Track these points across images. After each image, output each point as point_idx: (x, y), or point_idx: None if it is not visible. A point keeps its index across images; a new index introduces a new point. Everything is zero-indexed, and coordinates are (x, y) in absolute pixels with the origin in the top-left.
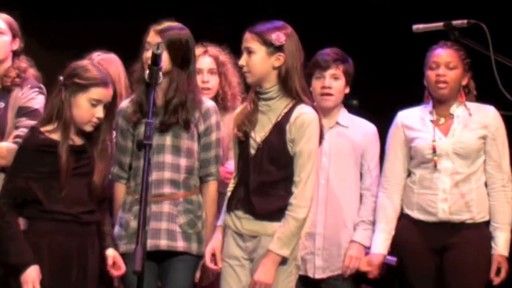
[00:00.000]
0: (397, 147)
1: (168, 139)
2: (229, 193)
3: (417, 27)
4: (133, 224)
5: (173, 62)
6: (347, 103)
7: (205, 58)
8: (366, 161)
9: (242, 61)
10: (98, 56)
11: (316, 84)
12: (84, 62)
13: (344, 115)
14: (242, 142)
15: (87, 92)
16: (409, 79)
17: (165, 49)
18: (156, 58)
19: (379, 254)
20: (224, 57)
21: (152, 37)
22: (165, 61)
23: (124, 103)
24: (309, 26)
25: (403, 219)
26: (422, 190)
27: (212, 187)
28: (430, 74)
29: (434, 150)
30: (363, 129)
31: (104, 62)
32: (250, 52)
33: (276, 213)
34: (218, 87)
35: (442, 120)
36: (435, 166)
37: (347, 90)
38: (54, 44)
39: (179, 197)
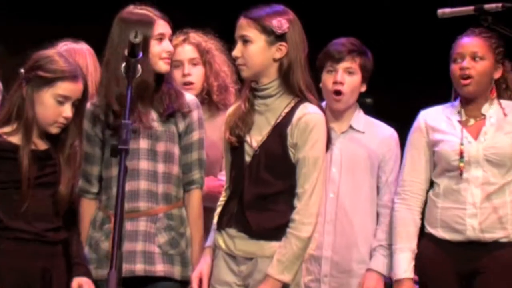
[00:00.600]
0: (419, 151)
1: (142, 142)
2: (219, 208)
3: (443, 11)
4: (104, 245)
5: None
6: (360, 102)
7: (185, 47)
8: (385, 173)
9: (237, 52)
10: (64, 46)
11: (327, 79)
12: (50, 51)
13: (359, 118)
14: (236, 148)
15: (52, 87)
16: (434, 73)
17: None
18: (134, 48)
19: (410, 280)
20: (207, 43)
21: (164, 26)
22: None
23: (92, 103)
24: (314, 14)
25: (425, 239)
26: (447, 204)
27: (195, 197)
28: (454, 68)
29: (461, 156)
30: (381, 134)
31: (69, 53)
32: (246, 41)
33: (276, 231)
34: (204, 80)
35: (472, 121)
36: (461, 174)
37: (364, 88)
38: (13, 37)
39: (158, 212)
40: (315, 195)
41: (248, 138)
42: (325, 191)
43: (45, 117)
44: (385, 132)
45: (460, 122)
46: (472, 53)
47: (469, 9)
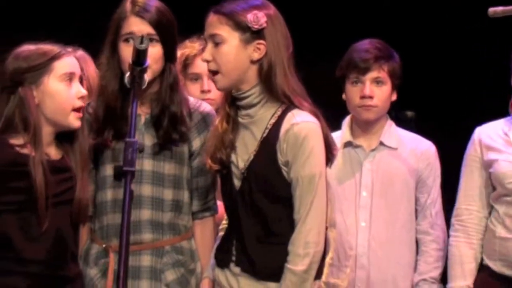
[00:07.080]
0: (473, 173)
1: (147, 163)
2: (220, 234)
3: (495, 10)
4: (101, 284)
5: (167, 58)
6: (399, 115)
7: None
8: (423, 194)
9: (207, 55)
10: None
11: (352, 92)
12: (22, 48)
13: (390, 132)
14: (224, 174)
15: (53, 70)
16: (487, 80)
17: (156, 41)
18: (140, 56)
19: None
20: None
21: (136, 24)
22: (158, 57)
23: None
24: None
25: (483, 273)
26: (506, 233)
27: (209, 225)
28: None
29: None
30: (417, 148)
31: (84, 59)
32: (217, 41)
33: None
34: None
35: None
36: None
37: (394, 97)
38: None
39: (164, 244)
40: (311, 220)
41: (233, 158)
42: (355, 219)
43: (60, 108)
44: (422, 146)
45: None
46: None
47: None
